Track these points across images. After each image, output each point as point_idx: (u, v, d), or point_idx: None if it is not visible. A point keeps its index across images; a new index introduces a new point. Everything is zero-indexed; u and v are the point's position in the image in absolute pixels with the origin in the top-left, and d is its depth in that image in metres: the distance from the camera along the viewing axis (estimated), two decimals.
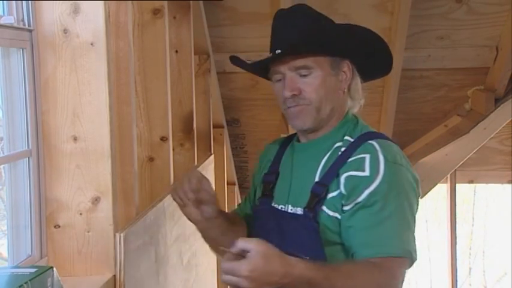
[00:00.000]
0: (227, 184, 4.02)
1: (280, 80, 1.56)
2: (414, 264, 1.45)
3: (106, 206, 1.62)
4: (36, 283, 1.22)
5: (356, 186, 1.43)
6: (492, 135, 4.03)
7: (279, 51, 1.52)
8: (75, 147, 1.61)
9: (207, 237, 1.68)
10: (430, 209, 9.44)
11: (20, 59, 1.56)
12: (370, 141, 1.49)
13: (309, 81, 1.52)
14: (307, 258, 1.43)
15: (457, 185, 4.59)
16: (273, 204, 1.58)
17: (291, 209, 1.53)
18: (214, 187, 3.48)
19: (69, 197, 1.62)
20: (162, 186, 2.40)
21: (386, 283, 1.39)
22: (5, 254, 1.75)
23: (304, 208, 1.49)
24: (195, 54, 3.09)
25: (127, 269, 1.67)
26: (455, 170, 4.37)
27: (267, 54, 1.65)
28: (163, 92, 2.40)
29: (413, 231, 1.46)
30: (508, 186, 4.73)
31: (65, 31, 1.59)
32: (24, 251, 1.59)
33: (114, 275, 1.64)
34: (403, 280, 1.43)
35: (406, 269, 1.43)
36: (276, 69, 1.55)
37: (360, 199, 1.42)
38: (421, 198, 1.54)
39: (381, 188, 1.42)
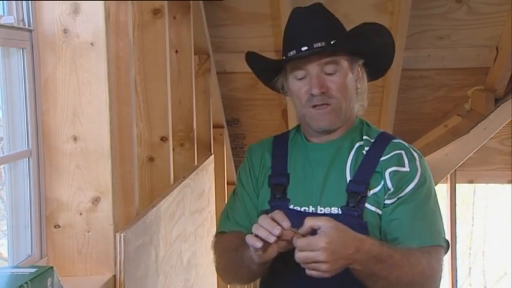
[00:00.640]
0: (227, 184, 4.01)
1: (301, 78, 1.54)
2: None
3: (106, 206, 1.62)
4: (36, 283, 1.22)
5: (400, 181, 1.49)
6: (492, 135, 4.03)
7: (319, 44, 1.50)
8: (75, 147, 1.61)
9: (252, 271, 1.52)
10: None
11: (20, 59, 1.56)
12: (395, 140, 1.56)
13: (335, 80, 1.52)
14: None
15: (457, 185, 4.59)
16: (292, 207, 1.55)
17: (322, 210, 1.51)
18: (214, 187, 3.50)
19: (69, 197, 1.62)
20: (162, 186, 2.40)
21: (434, 268, 1.45)
22: (5, 254, 1.75)
23: (343, 207, 1.49)
24: (195, 54, 3.09)
25: (127, 269, 1.67)
26: (455, 170, 4.37)
27: (268, 54, 1.65)
28: (163, 92, 2.40)
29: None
30: (508, 186, 4.73)
31: (65, 31, 1.59)
32: (24, 251, 1.59)
33: (114, 275, 1.64)
34: (441, 269, 1.50)
35: (443, 260, 1.51)
36: (300, 66, 1.53)
37: (404, 193, 1.49)
38: None
39: (421, 183, 1.50)
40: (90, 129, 1.60)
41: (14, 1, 1.56)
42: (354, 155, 1.54)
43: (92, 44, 1.59)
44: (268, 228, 1.32)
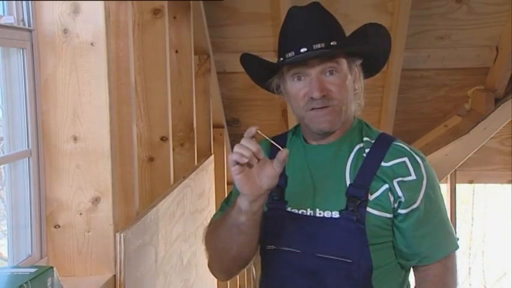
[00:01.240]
0: (227, 184, 4.01)
1: (300, 79, 1.51)
2: None
3: (106, 206, 1.62)
4: (36, 283, 1.22)
5: (410, 190, 1.49)
6: (492, 135, 4.03)
7: (318, 46, 1.48)
8: (75, 147, 1.61)
9: (235, 234, 1.48)
10: None
11: (20, 59, 1.56)
12: (396, 143, 1.54)
13: (335, 81, 1.49)
14: (350, 261, 1.46)
15: (456, 185, 4.59)
16: (289, 209, 1.53)
17: (321, 213, 1.49)
18: (214, 187, 3.50)
19: (69, 197, 1.62)
20: (162, 186, 2.40)
21: (455, 276, 1.55)
22: (5, 254, 1.75)
23: (342, 211, 1.47)
24: (195, 54, 3.09)
25: (127, 269, 1.67)
26: (455, 170, 4.37)
27: (268, 54, 1.64)
28: (163, 92, 2.40)
29: None
30: (508, 186, 4.73)
31: (65, 31, 1.59)
32: (24, 251, 1.59)
33: (114, 275, 1.64)
34: (457, 271, 1.57)
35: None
36: (299, 69, 1.50)
37: (416, 205, 1.49)
38: None
39: (430, 190, 1.51)
40: (90, 129, 1.60)
41: (14, 1, 1.56)
42: (353, 158, 1.52)
43: (92, 44, 1.59)
44: (246, 145, 1.34)
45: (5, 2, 1.55)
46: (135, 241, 1.78)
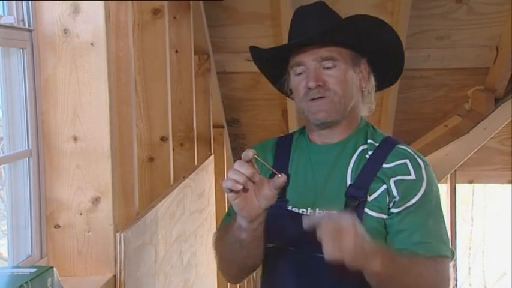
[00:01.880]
0: None
1: (300, 73, 1.53)
2: None
3: (106, 206, 1.62)
4: (36, 283, 1.22)
5: (407, 190, 1.47)
6: (492, 135, 4.03)
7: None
8: (75, 147, 1.61)
9: (240, 250, 1.48)
10: None
11: (20, 59, 1.56)
12: (399, 146, 1.53)
13: (334, 74, 1.50)
14: None
15: (456, 185, 4.59)
16: (290, 208, 1.54)
17: (320, 212, 1.49)
18: (214, 187, 3.50)
19: (69, 197, 1.62)
20: (162, 186, 2.40)
21: (441, 276, 1.45)
22: (5, 254, 1.75)
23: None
24: (195, 54, 3.09)
25: (127, 269, 1.67)
26: (455, 170, 4.37)
27: None
28: (163, 92, 2.40)
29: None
30: (508, 186, 4.73)
31: (65, 31, 1.59)
32: (24, 251, 1.59)
33: (114, 275, 1.64)
34: (449, 278, 1.48)
35: (450, 269, 1.49)
36: (299, 60, 1.52)
37: (411, 203, 1.47)
38: None
39: (428, 192, 1.48)
40: (90, 129, 1.60)
41: (14, 1, 1.56)
42: (356, 159, 1.52)
43: (92, 44, 1.59)
44: (239, 170, 1.32)
45: (5, 2, 1.55)
46: (135, 241, 1.78)
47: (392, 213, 1.47)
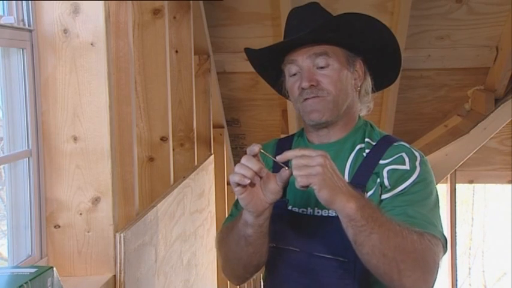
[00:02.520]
0: (227, 184, 4.02)
1: (294, 74, 1.54)
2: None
3: (106, 206, 1.62)
4: (36, 283, 1.22)
5: (398, 178, 1.46)
6: (492, 135, 4.04)
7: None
8: (75, 147, 1.61)
9: (244, 245, 1.48)
10: None
11: (20, 59, 1.56)
12: (396, 143, 1.53)
13: (327, 73, 1.51)
14: (346, 260, 1.45)
15: (456, 185, 4.60)
16: (290, 208, 1.55)
17: (319, 212, 1.51)
18: (214, 187, 3.50)
19: (69, 197, 1.62)
20: (162, 186, 2.40)
21: (427, 247, 1.37)
22: (5, 254, 1.75)
23: None
24: (195, 54, 3.09)
25: (127, 269, 1.67)
26: (455, 170, 4.37)
27: None
28: (163, 92, 2.40)
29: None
30: (507, 186, 4.73)
31: (65, 31, 1.59)
32: (24, 251, 1.59)
33: (114, 275, 1.64)
34: (439, 264, 1.42)
35: (441, 255, 1.43)
36: (292, 59, 1.53)
37: (400, 189, 1.46)
38: None
39: (419, 181, 1.46)
40: (90, 129, 1.60)
41: (14, 1, 1.56)
42: (353, 158, 1.53)
43: (92, 44, 1.59)
44: (247, 165, 1.33)
45: (5, 2, 1.55)
46: (135, 241, 1.78)
47: (382, 199, 1.47)
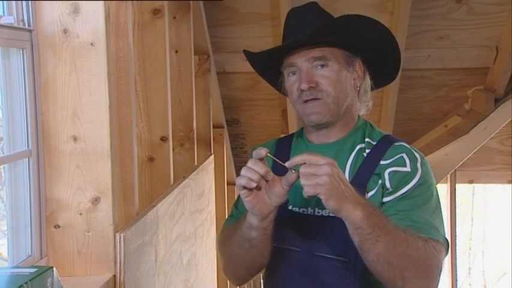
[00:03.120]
0: (227, 184, 4.02)
1: (294, 74, 1.54)
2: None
3: (106, 206, 1.62)
4: (36, 283, 1.22)
5: (400, 180, 1.47)
6: (492, 135, 4.04)
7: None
8: (75, 147, 1.61)
9: (247, 248, 1.49)
10: None
11: (20, 59, 1.56)
12: (397, 143, 1.53)
13: (326, 74, 1.51)
14: (346, 260, 1.45)
15: (456, 185, 4.60)
16: (290, 208, 1.55)
17: (319, 212, 1.51)
18: (214, 187, 3.50)
19: (69, 197, 1.62)
20: (162, 186, 2.40)
21: (431, 253, 1.38)
22: (5, 254, 1.75)
23: None
24: (195, 54, 3.09)
25: (127, 269, 1.67)
26: (455, 170, 4.37)
27: None
28: (163, 92, 2.40)
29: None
30: (507, 186, 4.73)
31: (65, 31, 1.59)
32: (24, 251, 1.59)
33: (114, 275, 1.63)
34: (441, 269, 1.43)
35: (442, 258, 1.44)
36: (291, 62, 1.53)
37: (402, 192, 1.46)
38: None
39: (421, 183, 1.47)
40: (90, 129, 1.60)
41: (14, 1, 1.56)
42: (354, 158, 1.53)
43: (92, 44, 1.59)
44: (254, 168, 1.34)
45: (5, 2, 1.55)
46: (135, 241, 1.78)
47: (384, 202, 1.47)
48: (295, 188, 1.54)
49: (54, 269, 1.31)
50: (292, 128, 3.86)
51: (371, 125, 1.61)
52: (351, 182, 1.46)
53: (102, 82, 1.60)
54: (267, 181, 1.36)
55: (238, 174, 1.71)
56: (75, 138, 1.61)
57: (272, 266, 1.57)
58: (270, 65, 1.62)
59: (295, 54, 1.52)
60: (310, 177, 1.29)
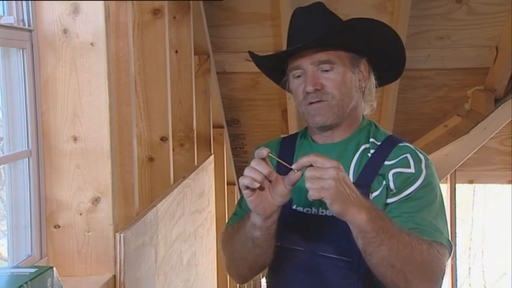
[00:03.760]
0: (227, 184, 4.01)
1: (299, 76, 1.54)
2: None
3: (106, 206, 1.62)
4: (36, 283, 1.22)
5: (404, 182, 1.47)
6: (492, 135, 4.04)
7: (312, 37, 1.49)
8: (75, 147, 1.61)
9: (251, 247, 1.48)
10: None
11: (20, 59, 1.56)
12: (401, 144, 1.53)
13: (331, 77, 1.51)
14: (350, 260, 1.46)
15: (456, 185, 4.59)
16: (294, 208, 1.55)
17: (323, 212, 1.51)
18: (214, 187, 3.50)
19: (69, 197, 1.62)
20: (162, 186, 2.40)
21: (435, 256, 1.39)
22: (5, 254, 1.75)
23: None
24: (195, 54, 3.09)
25: (127, 269, 1.67)
26: (455, 170, 4.37)
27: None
28: (163, 92, 2.40)
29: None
30: (507, 186, 4.73)
31: (65, 31, 1.59)
32: (24, 251, 1.59)
33: (114, 275, 1.64)
34: (445, 272, 1.44)
35: (446, 261, 1.44)
36: (297, 65, 1.53)
37: (406, 193, 1.46)
38: None
39: (425, 185, 1.47)
40: (90, 129, 1.60)
41: (14, 1, 1.56)
42: (358, 158, 1.53)
43: (92, 44, 1.59)
44: (257, 168, 1.34)
45: (5, 2, 1.55)
46: (135, 241, 1.78)
47: (388, 203, 1.48)
48: (299, 187, 1.54)
49: (54, 269, 1.31)
50: (292, 128, 3.86)
51: (375, 125, 1.61)
52: (355, 182, 1.46)
53: (102, 82, 1.60)
54: (270, 181, 1.36)
55: (238, 174, 1.72)
56: (75, 138, 1.61)
57: (275, 265, 1.57)
58: (275, 67, 1.62)
59: (301, 57, 1.52)
60: (315, 180, 1.29)
